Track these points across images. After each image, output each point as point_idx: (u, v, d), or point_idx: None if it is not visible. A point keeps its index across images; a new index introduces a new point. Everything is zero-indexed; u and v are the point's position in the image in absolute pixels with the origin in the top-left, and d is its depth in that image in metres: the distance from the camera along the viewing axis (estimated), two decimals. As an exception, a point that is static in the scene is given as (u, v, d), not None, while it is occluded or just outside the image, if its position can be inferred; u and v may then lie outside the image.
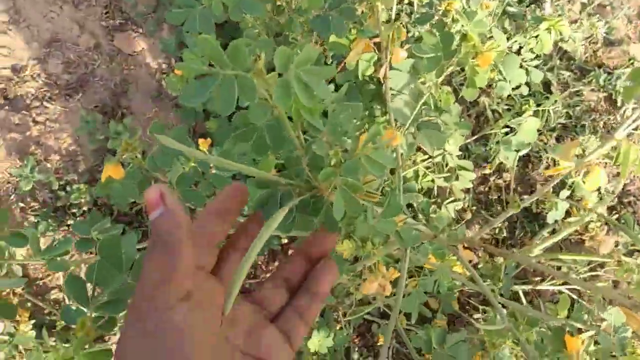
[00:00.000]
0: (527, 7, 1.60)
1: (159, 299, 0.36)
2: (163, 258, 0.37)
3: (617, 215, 1.81)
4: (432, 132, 1.33)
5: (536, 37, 1.27)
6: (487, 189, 1.82)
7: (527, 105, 1.29)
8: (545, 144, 1.86)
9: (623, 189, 1.85)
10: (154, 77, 1.87)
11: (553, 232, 1.68)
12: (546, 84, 1.92)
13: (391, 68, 1.16)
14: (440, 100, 1.15)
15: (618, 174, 1.85)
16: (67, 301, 1.53)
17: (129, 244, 0.81)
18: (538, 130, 1.86)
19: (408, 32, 1.37)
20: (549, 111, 1.86)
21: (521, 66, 1.32)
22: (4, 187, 1.68)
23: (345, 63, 1.19)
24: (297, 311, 0.46)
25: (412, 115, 1.23)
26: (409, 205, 1.56)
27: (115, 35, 1.89)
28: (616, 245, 1.64)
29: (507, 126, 1.55)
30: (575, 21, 1.99)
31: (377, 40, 1.11)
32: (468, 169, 1.39)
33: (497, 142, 1.41)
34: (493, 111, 1.79)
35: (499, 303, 1.36)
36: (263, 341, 0.43)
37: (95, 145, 1.72)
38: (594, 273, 1.57)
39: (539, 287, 1.61)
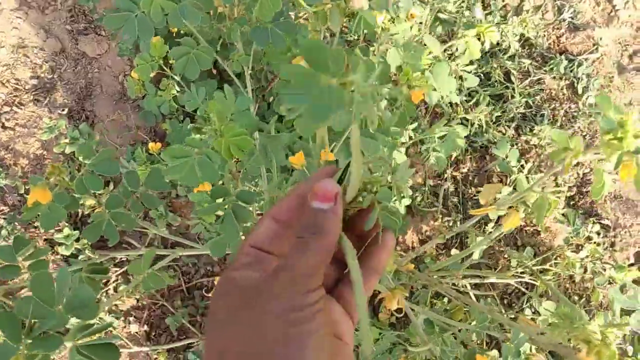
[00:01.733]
0: (456, 12, 1.58)
1: (311, 283, 0.38)
2: (323, 250, 0.39)
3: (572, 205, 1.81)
4: (365, 141, 1.35)
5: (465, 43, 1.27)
6: (443, 180, 1.83)
7: (454, 113, 1.30)
8: (504, 134, 1.86)
9: (582, 177, 1.84)
10: (117, 80, 1.92)
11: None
12: (507, 73, 1.91)
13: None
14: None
15: (577, 164, 1.85)
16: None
17: (63, 279, 0.85)
18: (497, 121, 1.87)
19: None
20: (505, 102, 1.86)
21: (455, 73, 1.33)
22: (-24, 192, 1.77)
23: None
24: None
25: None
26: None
27: (79, 39, 1.94)
28: (567, 242, 1.65)
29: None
30: (539, 7, 1.95)
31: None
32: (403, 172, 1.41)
33: (429, 149, 1.42)
34: (450, 104, 1.79)
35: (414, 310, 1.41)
36: (333, 317, 0.44)
37: (60, 149, 1.78)
38: (543, 267, 1.59)
39: (488, 281, 1.64)
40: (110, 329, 1.55)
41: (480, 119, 1.81)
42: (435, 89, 1.19)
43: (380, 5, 0.96)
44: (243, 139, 0.81)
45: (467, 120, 1.55)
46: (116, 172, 0.98)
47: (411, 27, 1.12)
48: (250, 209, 0.96)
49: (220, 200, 0.95)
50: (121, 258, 1.66)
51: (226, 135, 0.81)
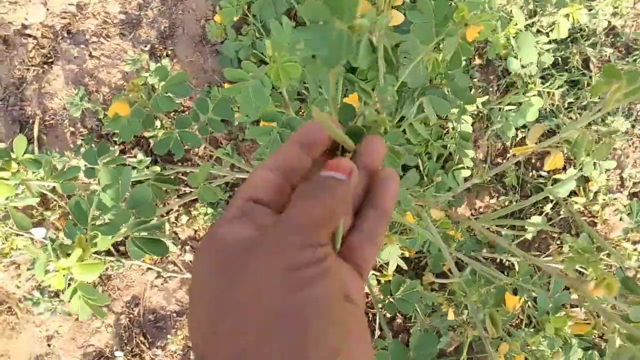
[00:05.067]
0: None
1: (318, 236, 0.33)
2: (328, 205, 0.34)
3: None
4: (436, 99, 1.37)
5: (553, 23, 1.26)
6: (504, 160, 1.83)
7: (532, 85, 1.29)
8: (574, 120, 1.82)
9: (650, 175, 1.79)
10: (198, 23, 1.99)
11: (557, 205, 1.68)
12: (586, 60, 1.86)
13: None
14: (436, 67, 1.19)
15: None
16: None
17: (126, 177, 0.94)
18: (569, 107, 1.83)
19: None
20: (580, 88, 1.82)
21: (535, 47, 1.32)
22: (60, 113, 1.90)
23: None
24: (365, 236, 0.40)
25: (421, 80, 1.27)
26: (416, 168, 1.61)
27: (168, -20, 2.03)
28: (626, 233, 1.62)
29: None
30: (631, -5, 1.88)
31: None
32: (466, 138, 1.43)
33: (498, 118, 1.42)
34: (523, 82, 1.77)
35: (460, 261, 1.43)
36: (340, 277, 0.38)
37: (141, 82, 1.88)
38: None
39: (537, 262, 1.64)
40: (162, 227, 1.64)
41: (553, 102, 1.78)
42: (516, 57, 1.20)
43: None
44: (293, 65, 0.84)
45: (541, 95, 1.53)
46: (187, 94, 1.05)
47: None
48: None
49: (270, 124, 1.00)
50: (184, 191, 1.76)
51: (277, 61, 0.84)
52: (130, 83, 1.02)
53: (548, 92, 1.83)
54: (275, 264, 0.31)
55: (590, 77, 1.84)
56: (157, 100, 1.04)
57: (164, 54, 1.97)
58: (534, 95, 1.33)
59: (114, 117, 1.02)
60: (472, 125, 1.79)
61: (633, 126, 1.81)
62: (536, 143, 1.03)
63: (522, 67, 1.18)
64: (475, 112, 1.70)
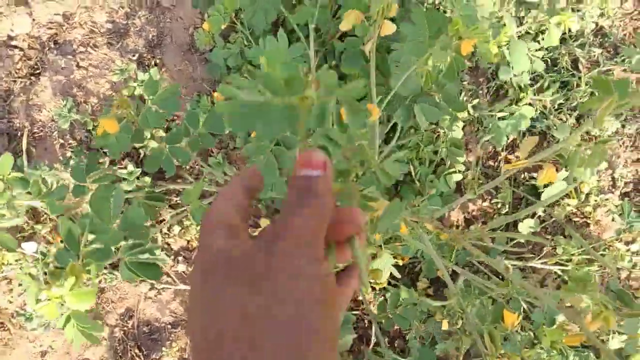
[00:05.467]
0: None
1: (315, 249, 0.35)
2: (319, 212, 0.36)
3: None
4: (427, 107, 1.37)
5: (543, 32, 1.26)
6: (497, 163, 1.83)
7: (524, 94, 1.29)
8: (565, 122, 1.83)
9: (641, 175, 1.80)
10: (187, 31, 1.98)
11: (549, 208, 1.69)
12: (575, 61, 1.87)
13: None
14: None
15: (637, 160, 1.80)
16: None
17: (117, 199, 0.93)
18: (559, 108, 1.84)
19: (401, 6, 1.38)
20: (570, 90, 1.83)
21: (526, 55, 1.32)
22: (49, 125, 1.88)
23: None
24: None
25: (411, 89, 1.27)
26: (407, 174, 1.61)
27: (155, -12, 2.01)
28: (618, 234, 1.63)
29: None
30: (618, -5, 1.89)
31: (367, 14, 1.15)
32: (458, 146, 1.43)
33: (489, 126, 1.42)
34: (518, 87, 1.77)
35: (455, 273, 1.42)
36: None
37: (129, 92, 1.87)
38: (587, 256, 1.58)
39: (531, 264, 1.65)
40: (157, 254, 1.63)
41: (543, 103, 1.79)
42: (508, 65, 1.20)
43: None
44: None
45: (531, 105, 1.53)
46: (177, 109, 1.03)
47: (494, 3, 1.12)
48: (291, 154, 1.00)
49: (263, 143, 0.99)
50: (176, 200, 1.75)
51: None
52: (118, 98, 1.01)
53: (540, 98, 1.84)
54: (286, 280, 0.33)
55: (580, 77, 1.85)
56: (147, 115, 1.02)
57: (152, 63, 1.95)
58: (525, 105, 1.33)
59: (102, 135, 1.01)
60: (462, 129, 1.79)
61: (623, 126, 1.82)
62: (528, 157, 1.03)
63: (514, 75, 1.18)
64: (466, 116, 1.70)
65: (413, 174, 1.59)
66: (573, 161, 0.82)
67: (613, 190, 1.79)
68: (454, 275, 1.71)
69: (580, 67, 1.86)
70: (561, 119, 1.85)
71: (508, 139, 1.71)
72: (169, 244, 1.75)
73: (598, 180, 1.54)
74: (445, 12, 1.29)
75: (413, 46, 1.04)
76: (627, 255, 1.42)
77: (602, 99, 0.65)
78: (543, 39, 1.24)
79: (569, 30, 1.25)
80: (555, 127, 1.81)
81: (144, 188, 1.07)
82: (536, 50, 1.30)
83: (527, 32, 1.60)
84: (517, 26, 1.29)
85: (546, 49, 1.83)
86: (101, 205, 0.89)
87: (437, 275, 1.57)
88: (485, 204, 1.83)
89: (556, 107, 1.85)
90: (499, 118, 1.48)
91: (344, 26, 1.14)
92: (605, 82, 0.64)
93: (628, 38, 1.90)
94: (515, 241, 1.60)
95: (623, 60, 1.85)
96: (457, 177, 1.61)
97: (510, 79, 1.18)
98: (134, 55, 1.96)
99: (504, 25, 1.22)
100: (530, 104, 1.46)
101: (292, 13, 1.39)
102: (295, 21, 1.17)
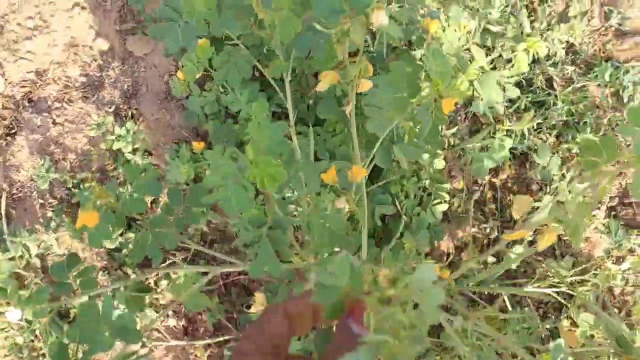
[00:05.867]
0: (501, 18, 1.57)
1: None
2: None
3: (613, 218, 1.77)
4: (406, 147, 1.36)
5: (511, 60, 1.27)
6: (481, 186, 1.83)
7: (500, 125, 1.29)
8: (545, 141, 1.84)
9: (625, 188, 1.80)
10: (162, 79, 1.97)
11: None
12: (549, 79, 1.88)
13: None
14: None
15: (620, 174, 1.81)
16: None
17: (108, 307, 0.89)
18: (538, 128, 1.85)
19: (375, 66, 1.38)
20: (547, 108, 1.84)
21: (498, 83, 1.32)
22: (27, 185, 1.85)
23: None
24: None
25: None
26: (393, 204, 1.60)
27: (127, 39, 2.01)
28: (607, 254, 1.62)
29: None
30: (585, 13, 1.92)
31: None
32: (440, 181, 1.43)
33: (469, 159, 1.42)
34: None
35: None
36: None
37: (107, 146, 1.85)
38: (581, 277, 1.58)
39: (525, 290, 1.63)
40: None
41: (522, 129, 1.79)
42: (482, 99, 1.19)
43: (433, 15, 0.97)
44: (277, 171, 0.79)
45: (510, 132, 1.53)
46: (159, 192, 1.00)
47: (459, 38, 1.13)
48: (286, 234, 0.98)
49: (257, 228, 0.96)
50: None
51: (260, 166, 0.79)
52: (96, 189, 0.95)
53: (518, 118, 1.84)
54: None
55: (556, 95, 1.86)
56: (127, 202, 0.98)
57: (129, 113, 1.94)
58: (503, 135, 1.32)
59: (81, 228, 0.96)
60: (444, 158, 1.79)
61: (603, 141, 1.82)
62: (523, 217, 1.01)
63: (489, 108, 1.18)
64: (446, 144, 1.70)
65: (399, 208, 1.58)
66: (577, 234, 0.81)
67: (599, 205, 1.79)
68: (450, 308, 1.69)
69: (555, 85, 1.87)
70: (541, 138, 1.86)
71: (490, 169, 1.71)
72: (157, 299, 1.72)
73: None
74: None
75: (392, 101, 1.01)
76: (619, 274, 1.42)
77: (595, 163, 0.64)
78: (512, 67, 1.25)
79: (538, 54, 1.25)
80: (535, 148, 1.82)
81: (128, 280, 1.03)
82: (508, 77, 1.31)
83: (499, 57, 1.61)
84: (487, 55, 1.29)
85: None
86: (90, 315, 0.85)
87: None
88: (474, 229, 1.82)
89: (535, 126, 1.85)
90: (479, 150, 1.48)
91: (321, 87, 1.13)
92: (592, 142, 0.63)
93: (598, 53, 1.92)
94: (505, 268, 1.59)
95: (596, 76, 1.87)
96: (443, 207, 1.60)
97: (485, 112, 1.18)
98: (110, 107, 1.94)
99: (472, 58, 1.22)
100: (508, 134, 1.46)
101: (266, 66, 1.38)
102: (270, 74, 1.17)
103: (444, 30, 1.12)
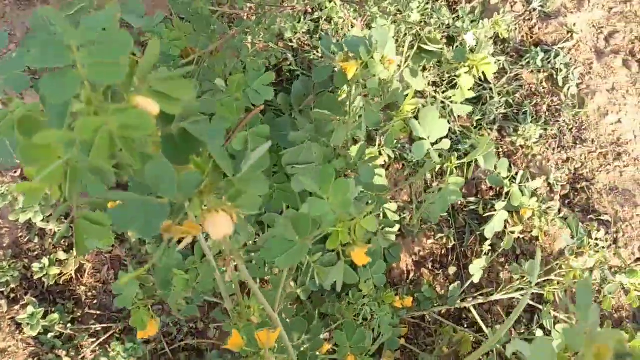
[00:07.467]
0: (420, 22, 1.48)
1: None
2: None
3: (567, 205, 1.71)
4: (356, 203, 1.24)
5: (454, 85, 1.16)
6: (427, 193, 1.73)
7: (449, 163, 1.15)
8: (488, 136, 1.76)
9: (575, 173, 1.75)
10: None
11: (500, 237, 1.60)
12: (482, 73, 1.81)
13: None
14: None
15: (568, 160, 1.75)
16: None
17: None
18: (478, 125, 1.77)
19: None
20: (484, 104, 1.76)
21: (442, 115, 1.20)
22: None
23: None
24: None
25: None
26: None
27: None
28: (571, 254, 1.55)
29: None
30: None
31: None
32: (390, 227, 1.34)
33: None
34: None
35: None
36: None
37: (15, 217, 1.64)
38: (547, 277, 1.50)
39: (493, 298, 1.54)
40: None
41: (461, 123, 1.71)
42: (424, 137, 1.04)
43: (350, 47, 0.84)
44: None
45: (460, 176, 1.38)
46: None
47: (387, 68, 0.99)
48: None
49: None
50: (96, 328, 1.53)
51: None
52: None
53: (458, 116, 1.76)
54: None
55: (491, 89, 1.79)
56: None
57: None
58: (453, 176, 1.17)
59: None
60: (387, 169, 1.68)
61: (545, 129, 1.76)
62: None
63: (432, 144, 1.03)
64: (387, 158, 1.60)
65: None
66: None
67: (552, 195, 1.73)
68: (418, 331, 1.60)
69: (489, 78, 1.80)
70: (483, 135, 1.78)
71: (434, 170, 1.63)
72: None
73: (538, 201, 1.46)
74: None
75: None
76: (584, 273, 1.35)
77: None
78: (454, 95, 1.13)
79: (483, 74, 1.14)
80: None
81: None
82: (452, 101, 1.20)
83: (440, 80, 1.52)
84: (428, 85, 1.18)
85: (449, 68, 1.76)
86: None
87: (401, 345, 1.44)
88: (430, 241, 1.72)
89: (474, 124, 1.78)
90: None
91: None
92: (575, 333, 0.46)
93: (527, 39, 1.86)
94: (469, 281, 1.49)
95: (528, 63, 1.80)
96: (395, 229, 1.49)
97: (429, 151, 1.02)
98: (15, 172, 1.73)
99: (408, 88, 1.10)
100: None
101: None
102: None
103: (366, 66, 0.97)
